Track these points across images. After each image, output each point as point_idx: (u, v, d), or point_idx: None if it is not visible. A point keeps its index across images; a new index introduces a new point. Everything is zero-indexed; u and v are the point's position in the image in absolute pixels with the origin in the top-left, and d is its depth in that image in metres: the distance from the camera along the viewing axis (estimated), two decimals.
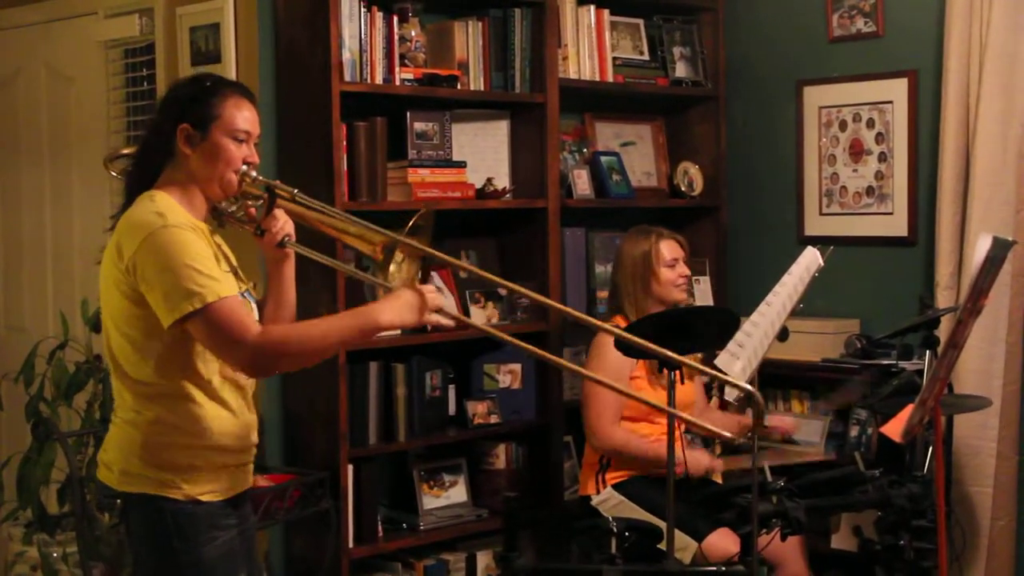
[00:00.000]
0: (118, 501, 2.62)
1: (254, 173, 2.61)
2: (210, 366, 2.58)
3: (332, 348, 2.62)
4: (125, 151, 2.98)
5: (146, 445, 2.55)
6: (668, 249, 4.06)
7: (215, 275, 2.48)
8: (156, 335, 2.50)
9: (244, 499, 2.71)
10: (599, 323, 3.26)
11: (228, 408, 2.60)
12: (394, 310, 2.54)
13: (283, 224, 2.66)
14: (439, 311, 2.58)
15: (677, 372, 3.39)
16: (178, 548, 2.54)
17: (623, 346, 3.43)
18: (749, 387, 2.88)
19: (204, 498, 2.57)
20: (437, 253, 2.65)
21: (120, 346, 2.56)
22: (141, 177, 2.62)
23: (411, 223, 2.58)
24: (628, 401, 3.93)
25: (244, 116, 2.60)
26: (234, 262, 2.71)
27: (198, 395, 2.56)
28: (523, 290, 2.87)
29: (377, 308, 2.54)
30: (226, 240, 2.73)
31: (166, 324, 2.46)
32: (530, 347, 2.74)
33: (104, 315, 2.61)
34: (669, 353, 2.88)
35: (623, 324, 3.97)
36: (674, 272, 4.06)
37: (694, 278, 4.85)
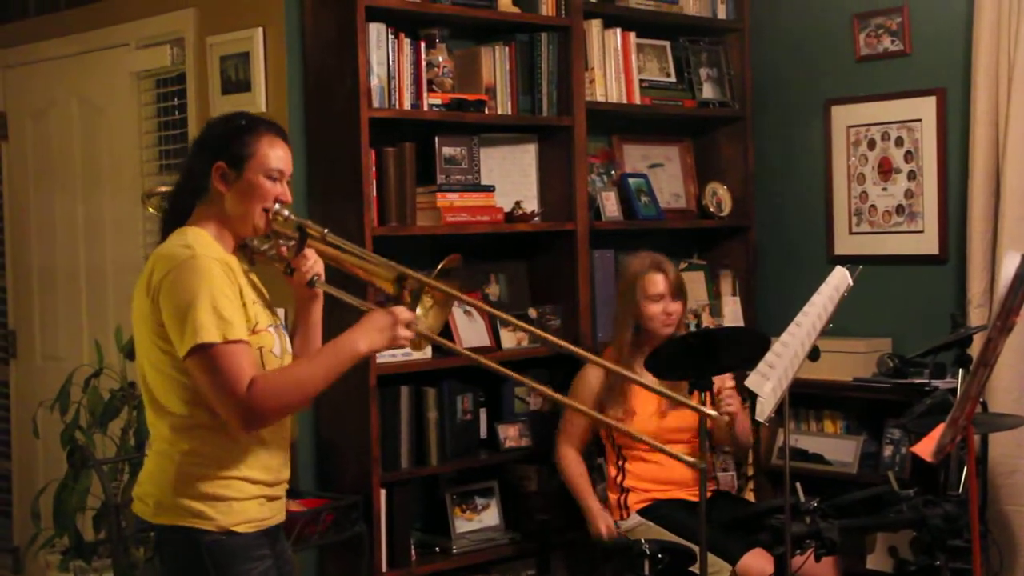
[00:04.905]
0: (152, 534, 2.61)
1: (286, 212, 2.62)
2: None
3: (319, 388, 2.58)
4: (162, 188, 3.02)
5: (180, 476, 2.55)
6: (652, 284, 3.99)
7: (231, 317, 2.48)
8: (183, 368, 2.51)
9: (279, 532, 2.71)
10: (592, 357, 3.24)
11: (261, 439, 2.60)
12: (367, 335, 2.56)
13: (312, 264, 2.68)
14: (409, 325, 2.57)
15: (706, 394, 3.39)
16: None
17: (654, 369, 3.44)
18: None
19: (238, 529, 2.56)
20: (463, 296, 2.67)
21: (152, 379, 2.58)
22: (175, 214, 2.65)
23: (440, 267, 2.62)
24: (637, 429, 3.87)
25: (278, 155, 2.62)
26: (267, 296, 2.72)
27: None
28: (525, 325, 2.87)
29: (352, 338, 2.56)
30: (258, 275, 2.73)
31: (181, 354, 2.47)
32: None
33: (137, 349, 2.62)
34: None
35: (609, 357, 3.95)
36: (658, 307, 3.99)
37: (726, 298, 4.84)
